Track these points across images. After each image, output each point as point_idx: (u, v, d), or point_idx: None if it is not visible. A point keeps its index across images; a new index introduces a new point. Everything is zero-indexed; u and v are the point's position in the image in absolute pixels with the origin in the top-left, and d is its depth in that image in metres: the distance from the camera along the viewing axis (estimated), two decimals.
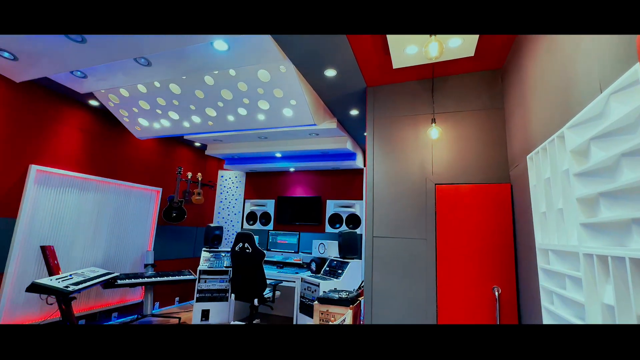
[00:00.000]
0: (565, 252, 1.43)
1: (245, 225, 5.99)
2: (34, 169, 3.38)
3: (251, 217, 5.95)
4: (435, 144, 2.72)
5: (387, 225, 2.75)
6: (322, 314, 2.93)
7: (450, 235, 2.53)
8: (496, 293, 2.29)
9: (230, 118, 3.49)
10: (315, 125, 3.38)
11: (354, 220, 5.19)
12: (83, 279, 3.34)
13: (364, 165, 5.17)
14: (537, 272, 1.77)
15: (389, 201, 2.79)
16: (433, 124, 2.49)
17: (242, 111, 3.33)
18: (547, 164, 1.61)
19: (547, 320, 1.61)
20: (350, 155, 4.92)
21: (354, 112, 3.79)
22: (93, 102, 3.95)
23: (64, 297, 3.09)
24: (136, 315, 4.53)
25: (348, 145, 4.45)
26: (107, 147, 4.31)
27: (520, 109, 2.13)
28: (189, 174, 5.36)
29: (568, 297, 1.37)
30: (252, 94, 3.06)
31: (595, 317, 1.15)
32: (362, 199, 5.24)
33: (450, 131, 2.69)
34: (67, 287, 3.01)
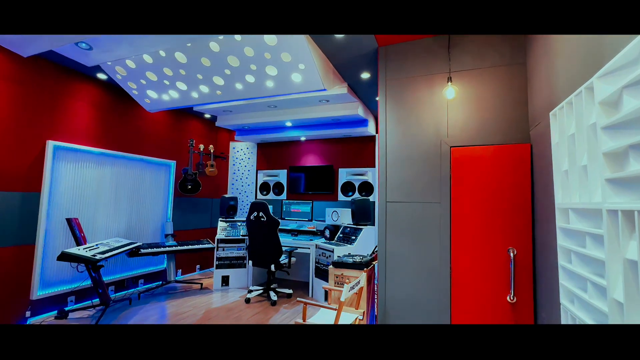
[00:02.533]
0: (586, 210, 1.39)
1: (259, 196, 6.08)
2: (51, 145, 3.46)
3: (264, 187, 6.02)
4: (451, 105, 2.60)
5: (400, 190, 2.73)
6: (337, 277, 3.02)
7: (466, 198, 2.49)
8: (511, 254, 2.28)
9: (239, 86, 3.42)
10: (325, 90, 3.28)
11: (366, 188, 5.18)
12: (108, 248, 3.52)
13: (376, 132, 5.07)
14: (555, 232, 1.74)
15: (402, 166, 2.74)
16: (449, 83, 2.37)
17: (249, 78, 3.25)
18: (572, 120, 1.52)
19: (562, 278, 1.60)
20: (362, 122, 4.81)
21: (365, 76, 3.64)
22: (101, 76, 3.93)
23: (92, 265, 3.28)
24: (160, 282, 4.80)
25: (359, 111, 4.34)
26: (119, 121, 4.35)
27: (545, 62, 1.99)
28: (201, 146, 5.40)
29: (587, 255, 1.34)
30: (259, 59, 2.96)
31: (616, 274, 1.12)
32: (374, 167, 5.19)
33: (468, 90, 2.56)
34: (94, 255, 3.18)
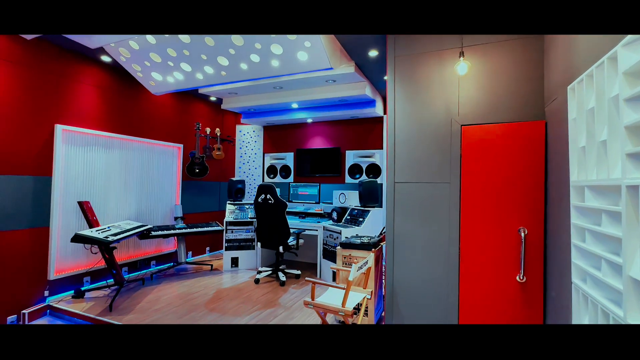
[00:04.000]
0: (604, 187, 1.34)
1: (266, 179, 6.10)
2: (59, 129, 3.47)
3: (271, 170, 6.02)
4: (463, 82, 2.51)
5: (409, 171, 2.69)
6: (344, 258, 3.04)
7: (476, 178, 2.45)
8: (522, 234, 2.25)
9: (244, 66, 3.36)
10: (331, 69, 3.20)
11: (374, 170, 5.14)
12: (120, 230, 3.59)
13: (384, 113, 4.97)
14: (568, 211, 1.70)
15: (411, 146, 2.69)
16: (461, 58, 2.28)
17: (254, 58, 3.18)
18: (591, 93, 1.45)
19: (575, 256, 1.57)
20: (370, 103, 4.72)
21: (373, 53, 3.53)
22: (105, 58, 3.90)
23: (105, 247, 3.36)
24: (172, 263, 4.91)
25: (367, 91, 4.24)
26: (125, 105, 4.33)
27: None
28: (208, 130, 5.38)
29: (603, 233, 1.31)
30: (264, 37, 2.88)
31: (634, 251, 1.09)
32: (382, 149, 5.12)
33: (480, 66, 2.46)
34: (106, 237, 3.25)
